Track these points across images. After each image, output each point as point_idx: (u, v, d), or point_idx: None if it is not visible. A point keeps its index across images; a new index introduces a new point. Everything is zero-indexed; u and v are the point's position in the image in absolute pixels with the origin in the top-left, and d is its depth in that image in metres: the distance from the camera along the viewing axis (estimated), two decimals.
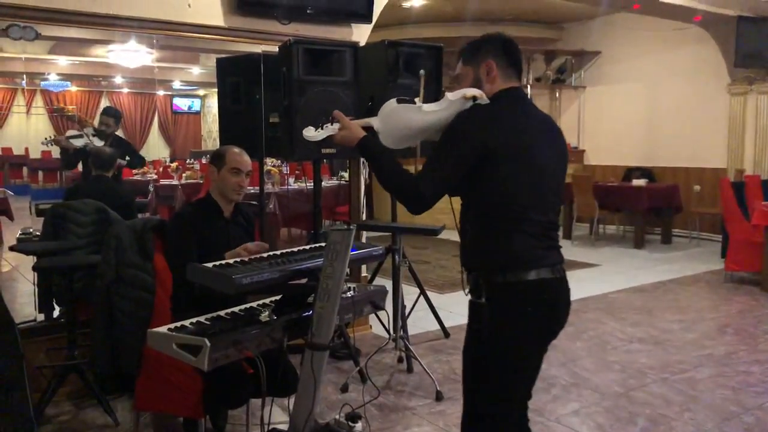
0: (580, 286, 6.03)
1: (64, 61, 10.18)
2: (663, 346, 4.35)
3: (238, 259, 2.23)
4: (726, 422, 3.16)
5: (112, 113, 5.46)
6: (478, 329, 1.88)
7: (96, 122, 5.30)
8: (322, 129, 2.01)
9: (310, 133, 2.03)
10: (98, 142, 4.91)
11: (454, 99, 1.86)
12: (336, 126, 1.98)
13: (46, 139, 6.43)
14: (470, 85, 1.91)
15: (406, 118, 1.92)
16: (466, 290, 1.95)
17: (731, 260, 6.16)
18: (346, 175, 6.18)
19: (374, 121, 1.98)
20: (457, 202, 1.98)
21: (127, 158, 5.00)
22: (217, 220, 2.74)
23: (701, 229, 8.33)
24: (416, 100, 1.98)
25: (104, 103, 12.94)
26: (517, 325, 1.84)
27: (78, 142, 5.02)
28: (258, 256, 2.34)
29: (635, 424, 3.15)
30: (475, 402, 1.94)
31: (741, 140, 8.10)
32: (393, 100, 1.94)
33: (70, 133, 5.25)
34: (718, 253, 7.21)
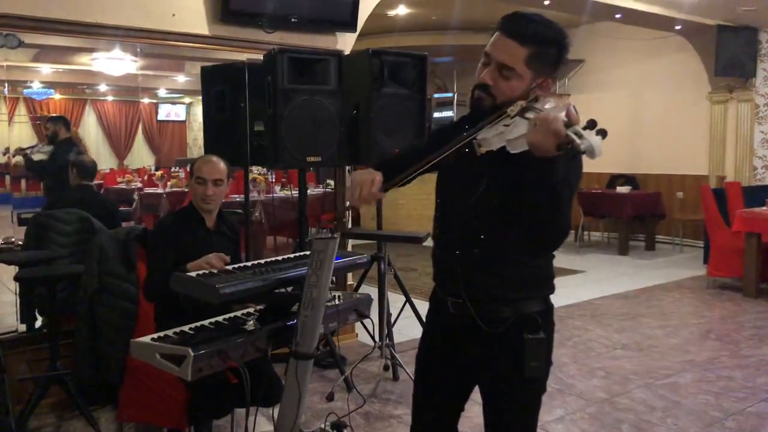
0: (565, 292, 6.07)
1: (47, 69, 10.10)
2: (647, 351, 4.38)
3: (223, 269, 2.23)
4: (708, 427, 3.20)
5: (61, 120, 5.56)
6: (520, 370, 1.59)
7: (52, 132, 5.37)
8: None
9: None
10: (47, 149, 4.98)
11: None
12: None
13: (5, 149, 6.46)
14: (516, 91, 1.56)
15: None
16: (505, 324, 1.61)
17: (713, 266, 6.24)
18: (332, 183, 6.19)
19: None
20: None
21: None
22: (199, 230, 2.74)
23: (684, 236, 8.42)
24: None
25: (88, 111, 12.86)
26: (550, 354, 1.68)
27: (34, 154, 5.12)
28: (242, 264, 2.33)
29: (620, 430, 3.17)
30: None
31: (722, 148, 8.22)
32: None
33: (25, 146, 5.43)
34: (701, 259, 7.30)
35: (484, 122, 1.55)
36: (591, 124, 1.32)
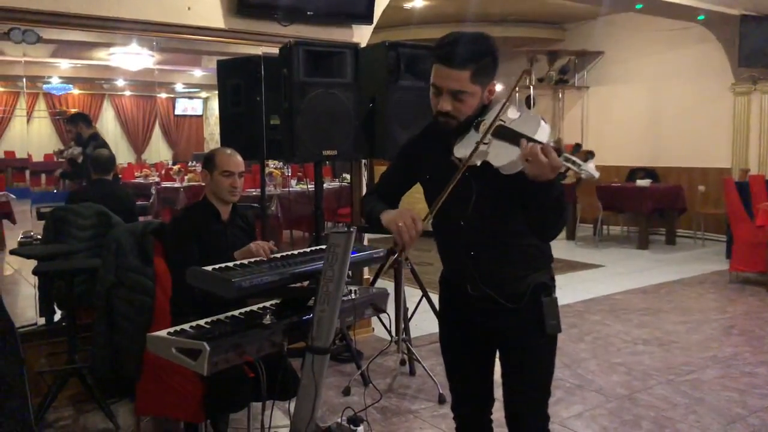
0: (584, 287, 6.00)
1: (65, 64, 10.20)
2: (668, 347, 4.31)
3: (238, 263, 2.21)
4: (731, 425, 3.13)
5: (78, 118, 5.58)
6: (542, 329, 1.84)
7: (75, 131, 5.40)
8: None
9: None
10: (77, 150, 4.99)
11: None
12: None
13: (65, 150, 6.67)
14: (472, 107, 1.74)
15: None
16: (523, 297, 1.82)
17: (736, 261, 6.13)
18: (348, 177, 6.17)
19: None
20: None
21: None
22: (215, 224, 2.73)
23: (706, 230, 8.29)
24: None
25: (106, 105, 12.97)
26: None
27: (66, 155, 5.14)
28: (258, 258, 2.32)
29: (640, 426, 3.12)
30: (544, 405, 1.93)
31: (745, 140, 8.06)
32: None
33: (62, 149, 5.47)
34: (723, 254, 7.17)
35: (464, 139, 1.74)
36: (577, 148, 1.49)
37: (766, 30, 7.47)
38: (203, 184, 2.82)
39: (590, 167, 1.45)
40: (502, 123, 1.66)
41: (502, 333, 1.88)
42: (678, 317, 5.04)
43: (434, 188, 1.80)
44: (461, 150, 1.72)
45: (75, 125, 5.42)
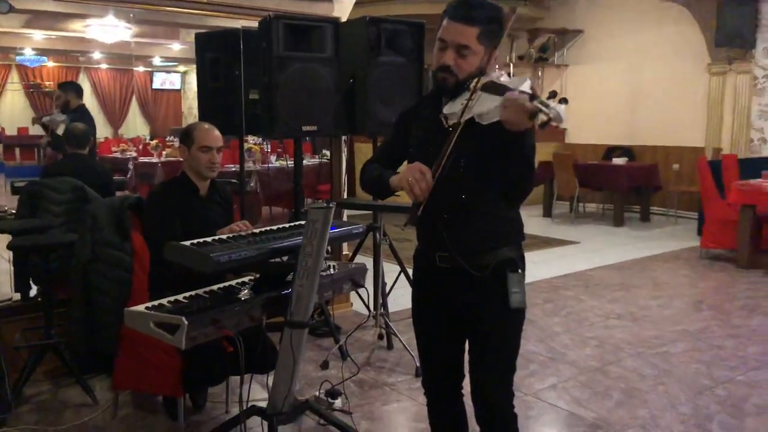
0: (560, 263, 6.10)
1: (39, 36, 9.94)
2: (640, 322, 4.42)
3: (216, 237, 2.22)
4: (699, 395, 3.24)
5: (71, 86, 5.40)
6: (506, 303, 1.87)
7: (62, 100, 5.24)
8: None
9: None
10: (60, 117, 4.86)
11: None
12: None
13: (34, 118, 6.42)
14: (474, 65, 1.79)
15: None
16: (489, 267, 1.86)
17: (707, 238, 6.27)
18: (328, 153, 6.15)
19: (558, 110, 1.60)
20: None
21: None
22: (193, 199, 2.73)
23: (679, 208, 8.44)
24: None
25: (82, 78, 12.70)
26: None
27: (45, 119, 4.98)
28: (237, 234, 2.33)
29: (610, 397, 3.22)
30: (509, 381, 1.96)
31: (719, 120, 8.19)
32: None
33: (45, 114, 5.28)
34: (695, 231, 7.33)
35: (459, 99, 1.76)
36: (553, 94, 1.52)
37: (744, 10, 7.55)
38: (181, 159, 2.80)
39: (560, 108, 1.49)
40: (491, 80, 1.72)
41: (468, 306, 1.91)
42: (650, 292, 5.16)
43: (420, 150, 1.86)
44: (450, 108, 1.77)
45: (65, 92, 5.26)
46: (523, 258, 1.95)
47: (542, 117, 1.48)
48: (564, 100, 1.52)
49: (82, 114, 5.07)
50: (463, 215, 1.86)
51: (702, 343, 4.00)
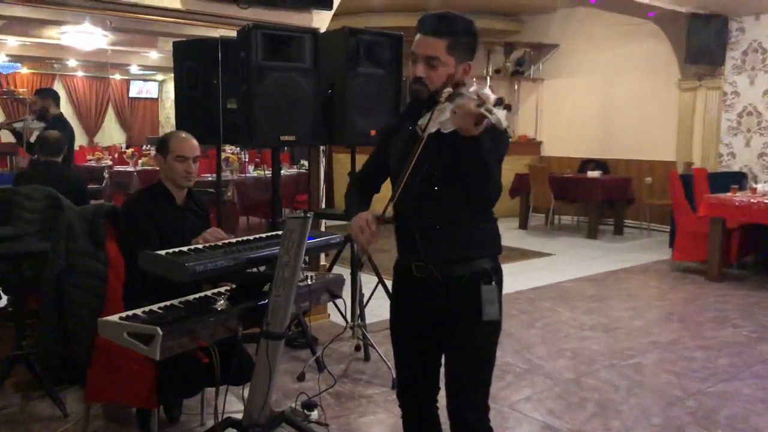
0: (535, 275, 6.16)
1: (13, 42, 9.79)
2: (613, 333, 4.48)
3: (192, 247, 2.21)
4: (670, 406, 3.29)
5: (50, 94, 5.32)
6: (479, 315, 1.88)
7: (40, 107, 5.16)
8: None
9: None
10: (37, 125, 4.79)
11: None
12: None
13: None
14: (444, 76, 1.83)
15: None
16: (463, 278, 1.88)
17: (678, 250, 6.38)
18: (306, 163, 6.14)
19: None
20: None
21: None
22: (170, 208, 2.71)
23: (651, 220, 8.59)
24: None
25: (57, 86, 12.52)
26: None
27: (17, 125, 4.89)
28: (213, 243, 2.32)
29: (585, 408, 3.25)
30: (484, 394, 1.96)
31: (690, 134, 8.36)
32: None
33: (17, 119, 5.17)
34: (667, 243, 7.45)
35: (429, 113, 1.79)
36: (498, 102, 1.59)
37: (713, 28, 7.75)
38: (157, 168, 2.78)
39: (501, 114, 1.56)
40: (456, 90, 1.76)
41: (443, 317, 1.93)
42: (623, 304, 5.24)
43: (397, 163, 1.91)
44: (423, 120, 1.81)
45: (43, 99, 5.17)
46: (499, 270, 1.96)
47: (486, 122, 1.57)
48: (508, 107, 1.59)
49: (62, 123, 5.00)
50: (438, 225, 1.89)
51: (673, 355, 4.06)
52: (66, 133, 4.65)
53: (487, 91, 1.69)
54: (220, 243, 2.33)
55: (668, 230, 7.67)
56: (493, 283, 1.91)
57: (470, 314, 1.89)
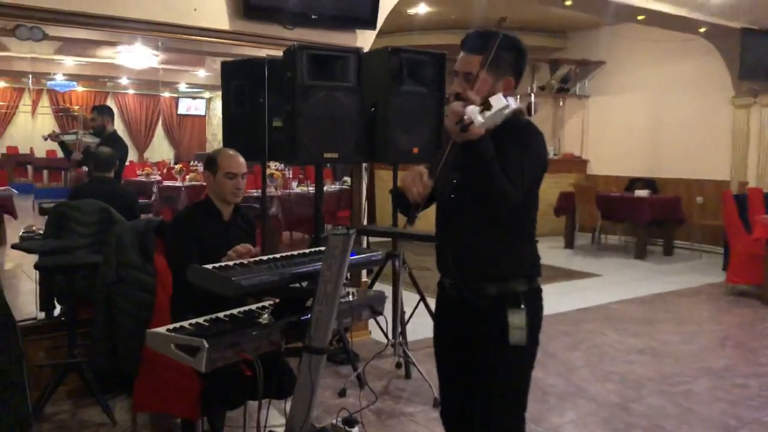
0: (581, 295, 6.03)
1: (70, 62, 10.21)
2: (662, 357, 4.34)
3: (237, 261, 2.24)
4: None
5: (107, 111, 5.47)
6: (505, 338, 1.84)
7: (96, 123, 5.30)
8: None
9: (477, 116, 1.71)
10: (90, 140, 4.92)
11: (507, 113, 1.76)
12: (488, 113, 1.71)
13: (48, 134, 6.42)
14: (485, 91, 1.82)
15: (498, 120, 1.79)
16: (491, 299, 1.87)
17: (732, 273, 6.15)
18: (348, 179, 6.18)
19: (480, 116, 1.73)
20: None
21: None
22: (217, 223, 2.76)
23: (703, 241, 8.31)
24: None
25: (110, 103, 12.98)
26: (537, 332, 1.93)
27: (68, 138, 5.03)
28: (258, 258, 2.35)
29: None
30: (512, 420, 1.92)
31: (744, 153, 8.11)
32: (510, 100, 1.77)
33: (67, 131, 5.32)
34: (720, 266, 7.20)
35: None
36: (486, 104, 1.69)
37: (767, 43, 7.52)
38: (204, 183, 2.85)
39: (474, 111, 1.66)
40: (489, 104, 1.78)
41: (472, 338, 1.92)
42: (673, 328, 5.07)
43: (440, 177, 1.91)
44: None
45: (101, 116, 5.31)
46: (534, 294, 1.92)
47: (465, 121, 1.66)
48: (487, 105, 1.70)
49: (116, 140, 5.15)
50: (467, 241, 1.89)
51: (726, 382, 3.90)
52: (121, 150, 4.79)
53: (500, 98, 1.72)
54: (260, 258, 2.36)
55: (721, 252, 7.41)
56: (523, 306, 1.87)
57: (496, 337, 1.86)
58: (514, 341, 1.84)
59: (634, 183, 8.94)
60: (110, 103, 12.95)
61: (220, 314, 2.21)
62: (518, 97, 2.27)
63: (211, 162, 2.78)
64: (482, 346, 1.90)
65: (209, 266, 2.11)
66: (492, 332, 1.86)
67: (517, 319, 1.85)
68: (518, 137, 1.83)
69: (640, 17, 6.93)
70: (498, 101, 1.72)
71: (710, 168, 8.44)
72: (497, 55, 1.83)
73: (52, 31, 3.79)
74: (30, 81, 6.42)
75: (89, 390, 3.21)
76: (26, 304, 3.91)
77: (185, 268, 2.13)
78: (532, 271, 1.93)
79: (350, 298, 2.43)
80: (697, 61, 8.42)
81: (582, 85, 10.12)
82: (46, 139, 6.57)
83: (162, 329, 2.01)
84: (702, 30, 7.39)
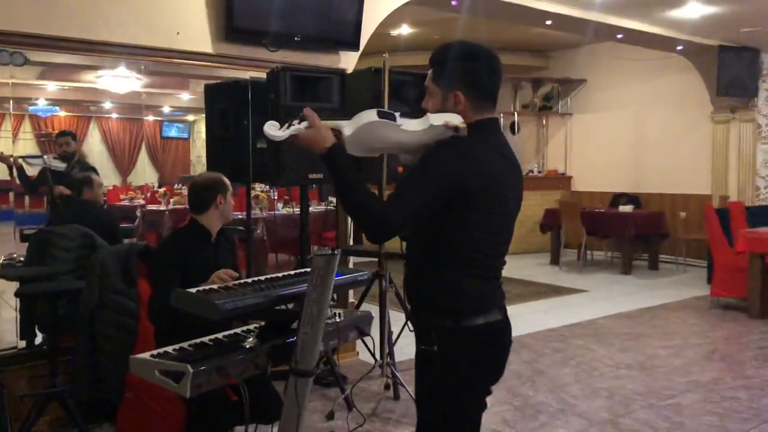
0: (568, 311, 6.04)
1: (52, 87, 10.17)
2: (650, 372, 4.34)
3: (222, 285, 2.22)
4: None
5: (69, 133, 5.46)
6: (428, 377, 1.75)
7: (63, 147, 5.26)
8: (288, 127, 1.77)
9: (273, 131, 1.76)
10: (59, 164, 4.90)
11: (437, 125, 1.73)
12: (304, 125, 1.75)
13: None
14: (438, 105, 1.79)
15: (382, 134, 1.77)
16: (411, 328, 1.83)
17: (717, 286, 6.20)
18: (334, 200, 6.18)
19: (346, 127, 1.77)
20: None
21: None
22: (206, 245, 2.78)
23: (687, 255, 8.39)
24: (397, 115, 1.78)
25: (93, 128, 12.93)
26: (468, 373, 1.73)
27: (35, 162, 4.99)
28: (242, 281, 2.33)
29: None
30: None
31: (725, 167, 8.22)
32: (373, 112, 1.76)
33: (29, 153, 5.26)
34: (705, 279, 7.26)
35: None
36: (300, 117, 1.77)
37: (744, 61, 7.68)
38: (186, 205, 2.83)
39: (271, 128, 1.74)
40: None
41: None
42: (660, 342, 5.09)
43: None
44: None
45: (75, 140, 5.31)
46: (460, 332, 1.71)
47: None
48: (301, 118, 1.76)
49: (81, 164, 5.15)
50: (407, 269, 1.82)
51: (715, 395, 3.91)
52: (91, 170, 4.80)
53: (367, 113, 1.73)
54: (244, 281, 2.34)
55: (705, 265, 7.48)
56: (435, 347, 1.69)
57: (419, 367, 1.78)
58: (422, 382, 1.76)
59: (618, 198, 9.03)
60: (93, 127, 12.90)
61: (205, 339, 2.18)
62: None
63: (220, 185, 2.80)
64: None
65: (193, 290, 2.09)
66: (421, 369, 1.78)
67: (422, 361, 1.74)
68: (424, 156, 1.72)
69: (618, 36, 7.05)
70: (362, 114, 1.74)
71: (692, 183, 8.54)
72: (444, 67, 1.77)
73: (34, 56, 3.78)
74: (11, 106, 6.34)
75: (72, 420, 3.13)
76: (6, 333, 3.84)
77: (162, 296, 2.10)
78: (460, 305, 1.71)
79: (337, 319, 2.41)
80: (676, 78, 8.56)
81: (564, 102, 10.25)
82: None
83: (146, 355, 1.98)
84: (679, 48, 7.53)
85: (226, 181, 2.83)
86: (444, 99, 1.78)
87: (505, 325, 1.82)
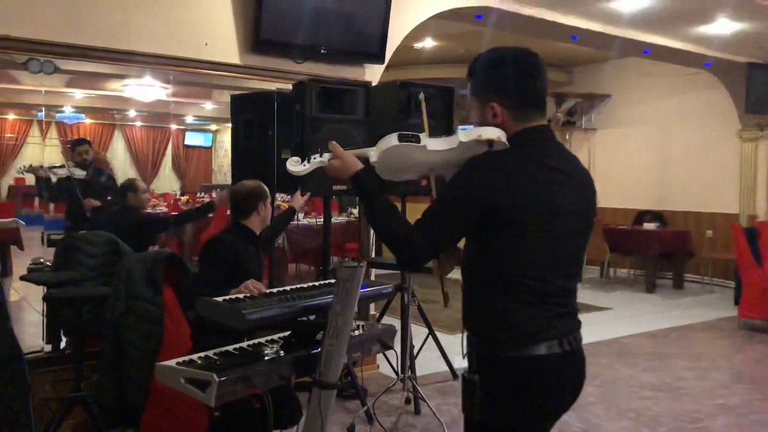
0: (591, 329, 5.91)
1: (80, 94, 10.34)
2: (676, 393, 4.25)
3: (248, 294, 2.23)
4: None
5: (87, 141, 5.57)
6: (468, 405, 1.60)
7: (83, 156, 5.34)
8: (308, 162, 1.80)
9: (295, 167, 1.81)
10: (79, 173, 4.99)
11: (466, 141, 1.62)
12: (326, 157, 1.77)
13: (23, 167, 6.48)
14: (479, 119, 1.68)
15: (409, 156, 1.70)
16: (464, 355, 1.70)
17: (745, 307, 6.07)
18: (355, 211, 6.18)
19: (372, 154, 1.74)
20: None
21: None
22: (252, 247, 2.98)
23: (714, 275, 8.23)
24: (422, 135, 1.70)
25: (117, 135, 13.12)
26: (508, 410, 1.58)
27: (60, 173, 5.11)
28: (267, 291, 2.33)
29: None
30: None
31: (753, 186, 8.08)
32: (394, 136, 1.68)
33: (53, 164, 5.38)
34: (731, 300, 7.11)
35: None
36: (319, 152, 1.80)
37: None
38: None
39: (315, 161, 1.80)
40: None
41: None
42: (686, 363, 4.98)
43: None
44: None
45: (86, 150, 5.40)
46: (501, 361, 1.58)
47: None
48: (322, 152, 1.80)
49: (102, 172, 5.25)
50: (464, 287, 1.69)
51: (744, 419, 3.81)
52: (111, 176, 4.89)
53: (388, 139, 1.68)
54: (270, 291, 2.34)
55: (732, 285, 7.33)
56: (476, 375, 1.57)
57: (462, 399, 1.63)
58: (465, 412, 1.62)
59: (642, 216, 8.90)
60: (117, 135, 13.10)
61: (230, 347, 2.18)
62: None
63: (261, 193, 3.00)
64: None
65: (219, 299, 2.09)
66: (463, 400, 1.64)
67: (466, 389, 1.59)
68: (453, 177, 1.62)
69: (645, 51, 6.98)
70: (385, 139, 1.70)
71: (719, 201, 8.40)
72: (477, 77, 1.69)
73: (63, 64, 3.84)
74: (41, 113, 6.46)
75: (95, 424, 3.14)
76: (32, 336, 3.87)
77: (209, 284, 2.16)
78: (504, 334, 1.57)
79: (360, 331, 2.40)
80: (703, 95, 8.45)
81: (588, 118, 10.16)
82: (21, 172, 6.58)
83: (171, 362, 1.98)
84: (707, 64, 7.44)
85: (266, 188, 2.99)
86: (482, 112, 1.66)
87: (564, 361, 1.62)
